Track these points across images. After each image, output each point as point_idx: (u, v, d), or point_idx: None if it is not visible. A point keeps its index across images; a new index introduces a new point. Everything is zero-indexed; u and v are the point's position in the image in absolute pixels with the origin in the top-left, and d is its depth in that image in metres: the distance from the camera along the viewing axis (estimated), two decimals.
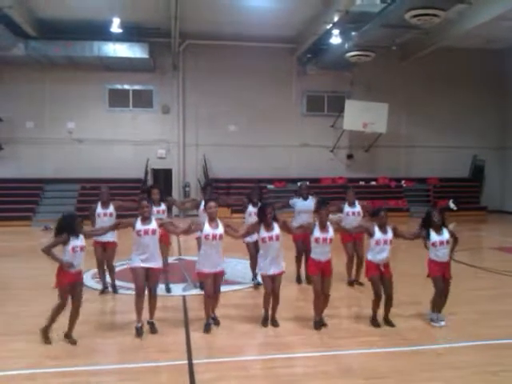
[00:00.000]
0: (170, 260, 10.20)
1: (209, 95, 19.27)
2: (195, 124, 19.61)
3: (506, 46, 19.58)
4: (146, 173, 18.92)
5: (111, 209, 7.60)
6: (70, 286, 5.39)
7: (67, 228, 5.36)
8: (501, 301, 7.31)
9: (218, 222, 5.86)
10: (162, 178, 19.81)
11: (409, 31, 15.38)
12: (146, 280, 5.76)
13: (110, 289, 7.72)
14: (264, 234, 5.88)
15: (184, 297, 7.40)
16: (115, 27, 15.91)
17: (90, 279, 8.35)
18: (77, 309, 5.51)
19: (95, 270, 8.56)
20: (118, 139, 19.04)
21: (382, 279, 6.00)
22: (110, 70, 18.82)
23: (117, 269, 8.03)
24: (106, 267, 7.72)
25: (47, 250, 5.29)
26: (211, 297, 5.90)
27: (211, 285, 5.85)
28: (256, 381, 4.74)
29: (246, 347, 5.53)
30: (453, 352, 5.36)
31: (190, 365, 4.93)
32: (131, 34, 17.02)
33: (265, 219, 5.88)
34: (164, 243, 7.15)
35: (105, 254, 7.62)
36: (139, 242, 5.73)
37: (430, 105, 20.29)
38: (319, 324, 5.93)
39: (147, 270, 5.73)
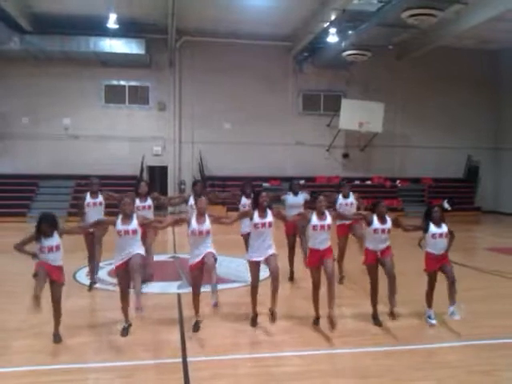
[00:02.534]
0: (165, 258, 10.27)
1: (205, 92, 19.23)
2: (191, 121, 19.57)
3: (501, 46, 19.66)
4: (142, 170, 18.87)
5: (100, 198, 7.66)
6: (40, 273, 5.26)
7: (36, 227, 5.34)
8: (493, 301, 7.37)
9: (206, 218, 5.81)
10: (158, 175, 19.78)
11: (405, 31, 15.46)
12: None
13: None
14: (257, 220, 5.86)
15: (179, 295, 7.40)
16: (111, 23, 15.78)
17: (83, 276, 8.35)
18: (55, 308, 5.42)
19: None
20: (113, 136, 18.97)
21: (381, 262, 6.02)
22: (106, 66, 18.73)
23: (109, 267, 8.04)
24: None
25: (17, 247, 5.37)
26: (198, 287, 5.84)
27: (197, 275, 5.80)
28: (250, 379, 4.76)
29: (240, 345, 5.56)
30: (445, 351, 5.41)
31: (185, 363, 4.95)
32: (128, 29, 16.92)
33: (259, 204, 5.87)
34: (148, 237, 7.19)
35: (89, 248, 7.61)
36: (119, 241, 5.65)
37: (425, 105, 20.35)
38: (318, 321, 5.93)
39: (127, 262, 5.58)
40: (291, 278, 8.38)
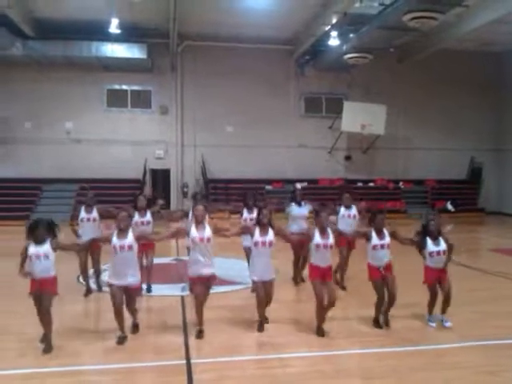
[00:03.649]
0: (168, 260, 10.27)
1: (207, 96, 19.29)
2: (193, 125, 19.62)
3: (502, 48, 19.68)
4: (145, 173, 18.92)
5: (95, 214, 7.55)
6: (34, 295, 5.20)
7: (30, 231, 5.21)
8: (497, 302, 7.35)
9: (206, 225, 5.73)
10: (161, 178, 19.83)
11: (407, 33, 15.45)
12: (125, 298, 5.54)
13: (95, 287, 7.67)
14: (258, 238, 5.82)
15: (182, 297, 7.39)
16: (113, 28, 15.92)
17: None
18: (43, 320, 5.21)
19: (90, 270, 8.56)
20: (116, 139, 19.03)
21: (384, 280, 5.98)
22: (108, 71, 18.82)
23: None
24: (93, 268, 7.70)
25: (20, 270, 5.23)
26: (201, 300, 5.73)
27: (200, 288, 5.68)
28: (253, 381, 4.74)
29: (244, 347, 5.54)
30: (451, 352, 5.39)
31: (188, 365, 4.94)
32: (129, 34, 17.03)
33: (260, 221, 5.86)
34: (148, 249, 7.20)
35: (91, 256, 7.51)
36: (115, 257, 5.51)
37: (427, 107, 20.35)
38: (322, 331, 5.77)
39: (124, 288, 5.51)
40: (296, 282, 8.30)
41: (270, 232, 5.86)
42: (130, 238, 5.51)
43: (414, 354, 5.34)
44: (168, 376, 4.78)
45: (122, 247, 5.45)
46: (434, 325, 6.14)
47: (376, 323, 6.11)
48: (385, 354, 5.33)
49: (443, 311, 6.11)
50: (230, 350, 5.36)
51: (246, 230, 6.19)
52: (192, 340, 5.62)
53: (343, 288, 7.98)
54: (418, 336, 5.83)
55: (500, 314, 6.68)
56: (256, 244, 5.84)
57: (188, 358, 5.10)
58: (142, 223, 7.39)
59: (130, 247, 5.48)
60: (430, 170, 20.53)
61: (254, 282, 6.07)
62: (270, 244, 5.83)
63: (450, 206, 16.37)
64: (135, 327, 5.84)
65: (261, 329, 5.93)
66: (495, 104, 21.01)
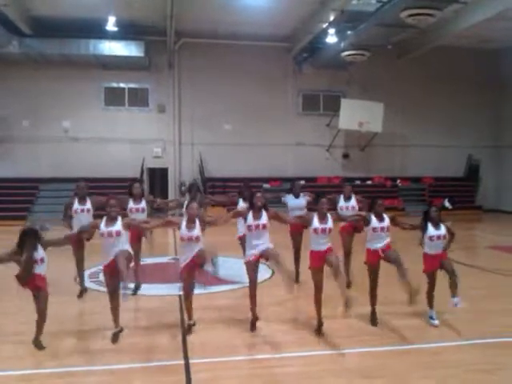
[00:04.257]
0: (166, 260, 10.26)
1: (204, 94, 19.24)
2: (191, 123, 19.57)
3: (501, 45, 19.65)
4: (142, 172, 18.88)
5: (88, 205, 7.44)
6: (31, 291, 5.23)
7: (20, 243, 5.21)
8: (494, 300, 7.36)
9: (197, 224, 5.72)
10: (159, 176, 19.78)
11: (404, 30, 15.45)
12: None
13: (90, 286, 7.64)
14: (251, 221, 5.79)
15: (180, 296, 7.38)
16: (111, 25, 15.86)
17: (86, 279, 8.32)
18: (39, 315, 5.29)
19: (92, 271, 8.57)
20: (113, 138, 18.97)
21: (385, 257, 5.97)
22: (105, 69, 18.75)
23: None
24: None
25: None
26: (188, 292, 5.77)
27: (187, 278, 5.71)
28: (252, 380, 4.75)
29: (242, 347, 5.53)
30: (448, 350, 5.40)
31: (187, 364, 4.94)
32: (127, 32, 16.98)
33: (254, 205, 5.82)
34: (134, 242, 6.99)
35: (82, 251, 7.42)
36: (104, 244, 5.57)
37: (425, 104, 20.34)
38: (321, 328, 5.73)
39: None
40: (296, 280, 8.28)
41: (264, 215, 5.81)
42: (118, 224, 5.58)
43: (413, 352, 5.35)
44: (166, 376, 4.79)
45: (109, 233, 5.53)
46: (436, 322, 6.10)
47: (372, 318, 6.12)
48: (384, 352, 5.34)
49: (454, 292, 5.91)
50: (227, 350, 5.37)
51: (239, 214, 6.18)
52: (190, 340, 5.62)
53: (349, 284, 7.92)
54: (415, 334, 5.83)
55: (498, 312, 6.70)
56: (249, 228, 5.81)
57: (186, 358, 5.10)
58: (137, 210, 7.26)
59: (118, 233, 5.56)
60: (428, 168, 20.54)
61: (245, 265, 5.93)
62: (264, 226, 5.78)
63: (447, 204, 16.38)
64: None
65: (253, 328, 5.91)
66: (493, 101, 21.00)
